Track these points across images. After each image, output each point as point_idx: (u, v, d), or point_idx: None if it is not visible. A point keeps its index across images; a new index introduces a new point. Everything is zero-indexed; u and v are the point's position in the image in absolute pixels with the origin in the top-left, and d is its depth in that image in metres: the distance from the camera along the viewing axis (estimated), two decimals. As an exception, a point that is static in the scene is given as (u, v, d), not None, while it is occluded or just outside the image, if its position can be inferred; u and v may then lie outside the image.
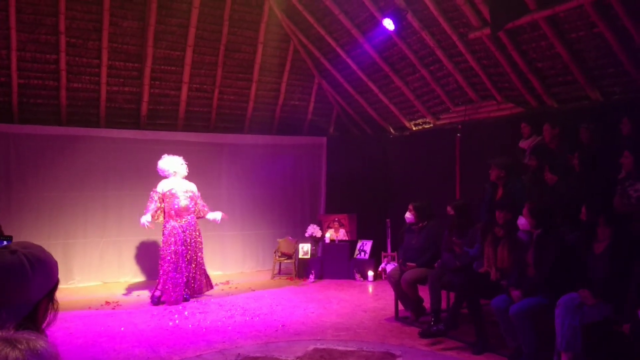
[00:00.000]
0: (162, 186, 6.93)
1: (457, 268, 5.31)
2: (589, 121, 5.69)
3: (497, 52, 6.60)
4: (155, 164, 7.05)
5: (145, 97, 8.39)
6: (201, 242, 7.07)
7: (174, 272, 6.63)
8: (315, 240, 8.86)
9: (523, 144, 6.57)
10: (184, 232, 6.82)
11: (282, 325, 5.73)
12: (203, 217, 7.21)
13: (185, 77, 8.52)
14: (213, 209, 9.01)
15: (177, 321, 5.89)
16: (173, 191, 6.89)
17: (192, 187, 7.11)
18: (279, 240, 8.78)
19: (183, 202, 6.88)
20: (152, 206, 6.85)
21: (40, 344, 0.93)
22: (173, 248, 6.69)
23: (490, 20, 5.96)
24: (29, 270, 1.37)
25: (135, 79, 8.30)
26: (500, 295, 4.60)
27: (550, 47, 6.15)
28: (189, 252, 6.85)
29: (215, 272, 8.83)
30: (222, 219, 7.37)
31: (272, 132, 9.68)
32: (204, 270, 7.13)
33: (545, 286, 4.33)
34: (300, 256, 8.66)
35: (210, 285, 7.22)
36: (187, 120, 8.94)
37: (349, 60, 8.57)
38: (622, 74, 5.88)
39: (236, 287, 7.83)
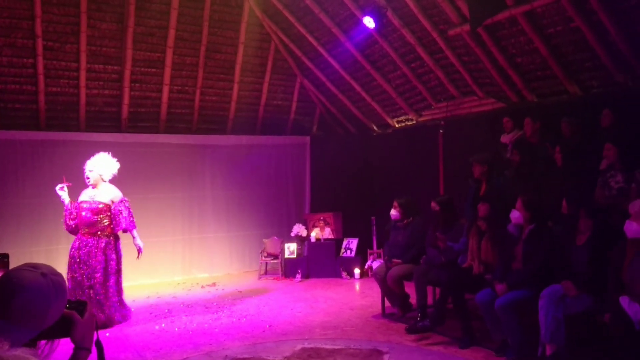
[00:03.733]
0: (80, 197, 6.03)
1: (443, 264, 5.35)
2: (569, 115, 5.75)
3: (477, 48, 6.66)
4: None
5: (126, 100, 8.30)
6: (105, 264, 5.78)
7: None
8: (301, 240, 8.85)
9: (504, 138, 6.63)
10: (79, 250, 5.76)
11: (270, 326, 5.72)
12: (126, 232, 5.99)
13: (166, 79, 8.44)
14: (198, 211, 9.02)
15: (163, 325, 5.85)
16: (83, 204, 5.89)
17: (105, 196, 5.92)
18: (265, 240, 8.77)
19: (85, 214, 5.83)
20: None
21: None
22: (69, 272, 5.77)
23: (469, 16, 6.00)
24: (53, 296, 1.39)
25: (115, 82, 8.20)
26: (484, 289, 4.63)
27: (529, 42, 6.23)
28: (84, 277, 5.69)
29: (201, 275, 8.80)
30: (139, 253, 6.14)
31: (255, 133, 9.64)
32: (113, 299, 5.81)
33: (533, 280, 4.36)
34: (286, 256, 8.65)
35: (126, 316, 5.96)
36: (169, 123, 8.85)
37: (330, 59, 8.57)
38: (599, 68, 5.97)
39: (223, 289, 7.79)
